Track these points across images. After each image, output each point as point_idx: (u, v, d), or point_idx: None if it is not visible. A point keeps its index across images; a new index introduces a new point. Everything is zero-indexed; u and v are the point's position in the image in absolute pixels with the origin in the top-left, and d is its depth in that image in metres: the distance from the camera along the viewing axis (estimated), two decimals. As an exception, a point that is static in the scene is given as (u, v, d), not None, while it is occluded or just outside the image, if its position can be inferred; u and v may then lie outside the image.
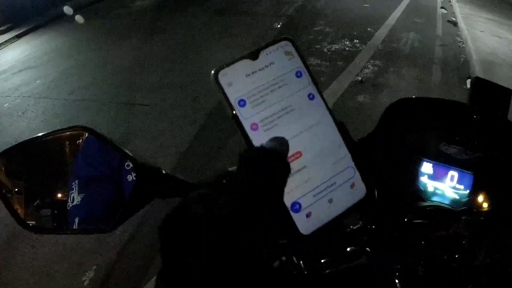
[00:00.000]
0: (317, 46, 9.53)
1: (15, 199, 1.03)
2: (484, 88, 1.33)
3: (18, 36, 12.22)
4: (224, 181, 0.66)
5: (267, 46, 0.71)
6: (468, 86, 7.65)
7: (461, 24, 12.47)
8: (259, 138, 0.66)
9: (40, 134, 0.98)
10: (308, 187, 0.68)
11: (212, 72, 0.68)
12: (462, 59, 9.50)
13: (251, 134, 0.66)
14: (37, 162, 1.05)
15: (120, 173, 0.95)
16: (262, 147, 0.64)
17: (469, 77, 8.21)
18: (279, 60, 0.70)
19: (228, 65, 0.69)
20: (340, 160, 0.71)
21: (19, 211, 1.01)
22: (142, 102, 6.98)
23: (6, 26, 12.72)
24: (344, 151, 0.72)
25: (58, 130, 0.98)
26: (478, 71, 8.36)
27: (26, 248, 4.23)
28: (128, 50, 9.75)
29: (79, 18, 12.75)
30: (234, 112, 0.67)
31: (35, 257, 4.15)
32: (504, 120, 1.25)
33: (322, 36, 10.21)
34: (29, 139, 1.01)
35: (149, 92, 7.37)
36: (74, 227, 0.97)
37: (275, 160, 0.63)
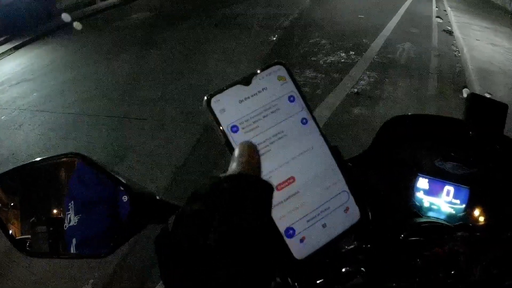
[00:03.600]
0: (313, 58, 9.55)
1: (11, 215, 1.03)
2: (480, 104, 1.33)
3: (15, 48, 12.21)
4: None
5: (260, 71, 0.71)
6: (464, 95, 7.68)
7: (457, 33, 12.53)
8: None
9: (35, 160, 0.99)
10: (301, 212, 0.68)
11: (205, 98, 0.68)
12: (458, 68, 9.54)
13: None
14: (32, 185, 1.05)
15: (116, 194, 0.94)
16: (229, 176, 0.62)
17: (465, 87, 8.24)
18: (272, 85, 0.70)
19: (220, 91, 0.69)
20: (334, 185, 0.71)
21: (14, 226, 1.01)
22: (138, 116, 6.97)
23: (3, 38, 12.71)
24: (338, 175, 0.72)
25: (52, 157, 0.98)
26: (474, 80, 8.38)
27: (24, 261, 4.21)
28: (124, 64, 9.76)
29: (76, 31, 12.77)
30: (227, 138, 0.67)
31: (32, 271, 4.13)
32: (500, 135, 1.26)
33: (317, 48, 10.23)
34: (24, 164, 1.01)
35: (145, 106, 7.36)
36: (71, 249, 0.97)
37: (248, 187, 0.61)
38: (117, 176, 0.90)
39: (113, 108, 7.43)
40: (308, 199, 0.69)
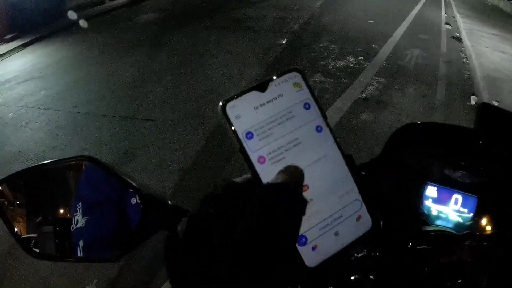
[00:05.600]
0: (322, 63, 9.55)
1: (17, 214, 1.03)
2: (490, 114, 1.33)
3: (24, 46, 12.27)
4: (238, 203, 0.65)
5: (276, 77, 0.70)
6: (472, 102, 7.67)
7: (465, 40, 12.51)
8: (266, 172, 0.66)
9: (44, 162, 0.98)
10: (314, 220, 0.68)
11: (220, 103, 0.67)
12: (466, 75, 9.51)
13: (258, 167, 0.66)
14: (41, 186, 1.05)
15: (125, 196, 0.94)
16: (276, 184, 0.63)
17: (473, 94, 8.21)
18: (287, 92, 0.70)
19: (236, 97, 0.68)
20: (347, 193, 0.71)
21: (20, 224, 1.01)
22: (146, 117, 6.98)
23: (11, 35, 12.77)
24: (351, 184, 0.71)
25: (64, 159, 0.98)
26: (482, 87, 8.36)
27: (28, 258, 4.21)
28: (132, 64, 9.78)
29: (84, 30, 12.82)
30: (241, 145, 0.66)
31: (36, 269, 4.14)
32: (510, 145, 1.25)
33: (327, 53, 10.23)
34: (34, 166, 1.01)
35: (153, 107, 7.38)
36: (79, 252, 0.96)
37: (291, 197, 0.62)
38: (128, 180, 0.89)
39: (120, 108, 7.45)
40: (321, 207, 0.69)
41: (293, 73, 0.71)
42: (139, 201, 0.87)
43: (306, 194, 0.68)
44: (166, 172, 5.38)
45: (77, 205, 0.97)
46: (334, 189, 0.70)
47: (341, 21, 13.67)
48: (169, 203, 0.91)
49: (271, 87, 0.69)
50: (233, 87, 7.84)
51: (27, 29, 13.14)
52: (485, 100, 7.68)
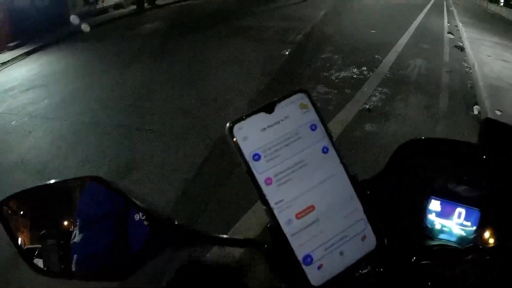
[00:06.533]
0: (325, 74, 9.58)
1: (20, 225, 1.03)
2: (495, 129, 1.33)
3: (27, 54, 12.29)
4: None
5: (282, 99, 0.71)
6: (475, 112, 7.67)
7: (468, 49, 12.54)
8: (273, 193, 0.67)
9: (50, 182, 0.98)
10: (320, 240, 0.69)
11: (227, 125, 0.68)
12: (469, 85, 9.53)
13: (265, 189, 0.67)
14: (46, 203, 1.05)
15: (127, 213, 0.94)
16: None
17: (476, 103, 8.22)
18: (294, 113, 0.71)
19: (243, 118, 0.69)
20: (352, 213, 0.72)
21: (24, 236, 1.01)
22: (149, 128, 6.97)
23: (15, 43, 12.80)
24: (356, 204, 0.72)
25: (68, 180, 0.98)
26: (484, 97, 8.35)
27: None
28: (136, 73, 9.80)
29: (87, 38, 12.87)
30: (248, 167, 0.67)
31: (36, 279, 4.11)
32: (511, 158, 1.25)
33: (330, 64, 10.28)
34: (39, 185, 1.01)
35: (156, 117, 7.37)
36: (75, 267, 0.97)
37: None
38: (135, 201, 0.89)
39: (123, 118, 7.45)
40: (326, 228, 0.69)
41: (300, 95, 0.72)
42: (142, 218, 0.88)
43: (311, 215, 0.69)
44: (167, 184, 5.35)
45: (77, 220, 0.98)
46: (339, 209, 0.71)
47: (344, 31, 13.74)
48: (176, 222, 0.91)
49: (278, 108, 0.70)
50: (237, 97, 7.89)
51: (31, 37, 13.18)
52: (488, 110, 7.69)
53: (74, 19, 13.47)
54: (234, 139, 0.67)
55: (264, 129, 0.69)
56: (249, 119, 0.69)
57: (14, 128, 7.46)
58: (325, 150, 0.71)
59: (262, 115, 0.69)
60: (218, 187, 5.21)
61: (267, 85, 8.48)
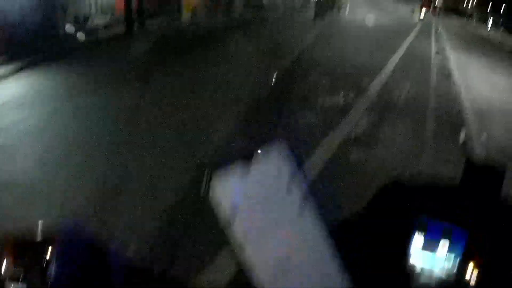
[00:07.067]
0: (312, 99, 9.59)
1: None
2: (476, 170, 1.36)
3: (13, 72, 12.07)
4: None
5: (261, 151, 0.72)
6: (462, 136, 7.69)
7: (455, 72, 12.65)
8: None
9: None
10: None
11: (204, 179, 0.68)
12: (456, 108, 9.57)
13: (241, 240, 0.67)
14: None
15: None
16: None
17: (463, 126, 8.24)
18: (273, 170, 0.71)
19: (221, 170, 0.69)
20: (329, 272, 0.72)
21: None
22: (138, 158, 6.83)
23: (3, 58, 12.59)
24: (333, 263, 0.72)
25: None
26: (472, 120, 8.44)
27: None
28: (125, 97, 9.69)
29: (75, 58, 12.83)
30: (227, 218, 0.67)
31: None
32: (496, 199, 1.28)
33: (317, 88, 10.30)
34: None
35: (142, 140, 7.30)
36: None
37: None
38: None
39: (110, 139, 7.35)
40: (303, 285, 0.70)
41: (280, 151, 0.73)
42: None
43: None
44: (150, 215, 5.22)
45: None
46: (315, 267, 0.71)
47: (332, 56, 13.80)
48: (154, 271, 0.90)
49: (257, 161, 0.71)
50: (222, 124, 7.82)
51: (18, 55, 13.02)
52: (474, 133, 7.78)
53: (64, 42, 13.40)
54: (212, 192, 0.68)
55: (243, 182, 0.70)
56: (226, 172, 0.69)
57: (1, 147, 7.32)
58: (302, 207, 0.72)
59: (240, 167, 0.70)
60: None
61: (252, 113, 8.45)
